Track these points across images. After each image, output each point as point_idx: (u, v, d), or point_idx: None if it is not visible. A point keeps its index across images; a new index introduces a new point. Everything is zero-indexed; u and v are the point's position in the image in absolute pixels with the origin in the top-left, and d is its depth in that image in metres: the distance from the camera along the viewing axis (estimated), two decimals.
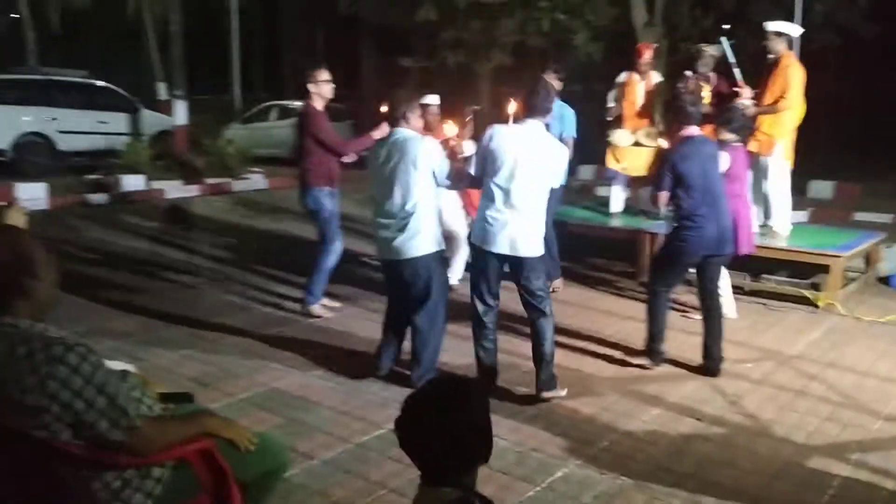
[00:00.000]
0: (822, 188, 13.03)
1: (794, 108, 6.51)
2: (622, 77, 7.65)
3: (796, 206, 10.91)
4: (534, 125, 4.25)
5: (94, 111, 15.11)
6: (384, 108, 5.10)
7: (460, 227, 6.33)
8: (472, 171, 4.39)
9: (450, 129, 5.57)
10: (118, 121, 15.47)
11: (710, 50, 7.11)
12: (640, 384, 4.61)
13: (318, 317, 5.74)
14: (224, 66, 23.13)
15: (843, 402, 4.41)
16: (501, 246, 4.19)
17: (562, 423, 4.03)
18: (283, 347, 5.10)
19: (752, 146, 6.61)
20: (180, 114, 14.07)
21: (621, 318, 5.90)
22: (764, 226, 6.90)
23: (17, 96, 14.27)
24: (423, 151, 4.27)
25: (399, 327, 4.60)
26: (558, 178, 4.41)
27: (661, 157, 4.84)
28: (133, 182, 11.76)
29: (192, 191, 12.11)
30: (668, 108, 4.95)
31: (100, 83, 15.76)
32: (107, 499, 2.10)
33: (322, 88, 5.63)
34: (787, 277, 6.61)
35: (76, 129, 14.67)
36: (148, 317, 5.74)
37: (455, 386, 1.88)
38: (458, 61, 13.31)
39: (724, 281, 5.90)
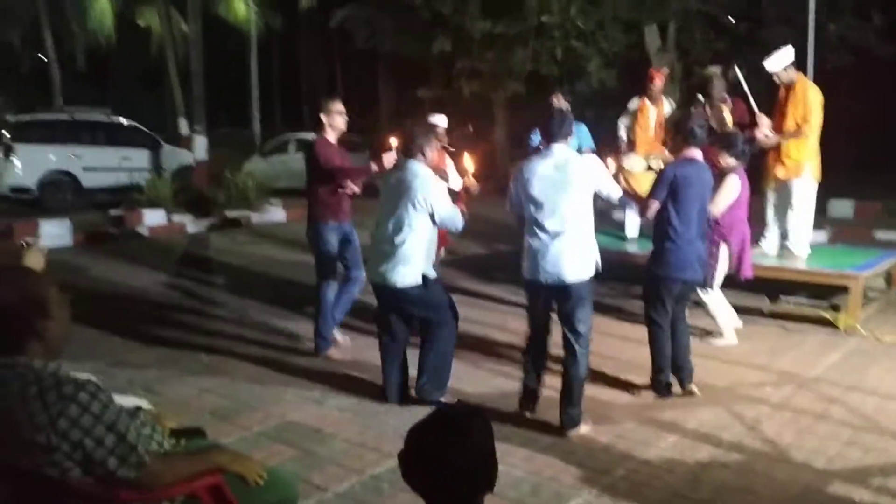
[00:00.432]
0: (841, 207, 12.91)
1: (817, 131, 6.48)
2: (634, 103, 7.70)
3: (816, 225, 10.83)
4: (559, 149, 4.24)
5: (117, 148, 15.50)
6: (394, 141, 5.19)
7: None
8: (508, 207, 4.45)
9: (468, 163, 5.60)
10: (141, 157, 15.82)
11: (719, 72, 7.13)
12: (656, 411, 4.57)
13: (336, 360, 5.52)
14: (244, 100, 23.52)
15: (865, 425, 4.33)
16: (547, 275, 4.16)
17: (578, 452, 4.00)
18: (300, 378, 5.13)
19: (780, 172, 6.61)
20: (200, 149, 14.32)
21: (637, 343, 5.82)
22: (783, 247, 6.87)
23: (43, 136, 14.69)
24: (426, 193, 4.40)
25: (395, 351, 4.69)
26: (611, 186, 4.34)
27: (662, 170, 4.86)
28: (154, 217, 11.95)
29: (212, 224, 12.26)
30: (677, 128, 4.96)
31: (123, 121, 16.13)
32: None
33: (335, 119, 5.50)
34: (806, 298, 6.55)
35: (100, 165, 15.05)
36: (166, 349, 5.80)
37: (457, 417, 1.89)
38: (473, 91, 13.45)
39: (723, 301, 5.90)
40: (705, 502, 3.49)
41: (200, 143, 14.26)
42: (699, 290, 5.51)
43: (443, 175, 5.91)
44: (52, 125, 14.99)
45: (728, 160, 5.33)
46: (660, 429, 4.29)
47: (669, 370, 4.80)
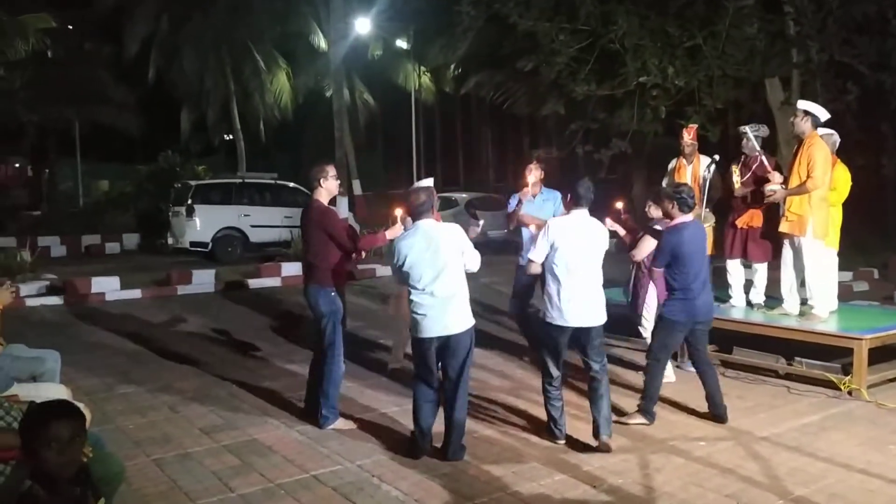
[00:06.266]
0: None
1: (822, 187, 6.36)
2: (672, 163, 7.83)
3: None
4: (580, 213, 5.02)
5: (281, 208, 17.57)
6: (398, 211, 5.65)
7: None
8: (532, 256, 5.09)
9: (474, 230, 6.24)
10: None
11: (750, 131, 7.14)
12: (572, 455, 4.81)
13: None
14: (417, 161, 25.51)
15: (762, 482, 4.34)
16: (574, 320, 4.87)
17: (462, 480, 4.43)
18: (295, 413, 5.80)
19: (784, 227, 6.56)
20: (341, 208, 15.95)
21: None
22: (805, 304, 6.71)
23: (220, 197, 17.14)
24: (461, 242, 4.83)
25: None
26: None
27: (660, 238, 5.34)
28: (290, 269, 13.52)
29: None
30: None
31: (289, 184, 18.30)
32: None
33: (331, 184, 5.63)
34: (820, 361, 6.32)
35: (265, 223, 17.17)
36: (210, 378, 6.85)
37: None
38: (585, 150, 13.89)
39: None
40: None
41: (341, 203, 15.88)
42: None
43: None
44: (226, 188, 17.47)
45: (653, 212, 5.87)
46: (555, 468, 4.58)
47: (657, 400, 5.36)
